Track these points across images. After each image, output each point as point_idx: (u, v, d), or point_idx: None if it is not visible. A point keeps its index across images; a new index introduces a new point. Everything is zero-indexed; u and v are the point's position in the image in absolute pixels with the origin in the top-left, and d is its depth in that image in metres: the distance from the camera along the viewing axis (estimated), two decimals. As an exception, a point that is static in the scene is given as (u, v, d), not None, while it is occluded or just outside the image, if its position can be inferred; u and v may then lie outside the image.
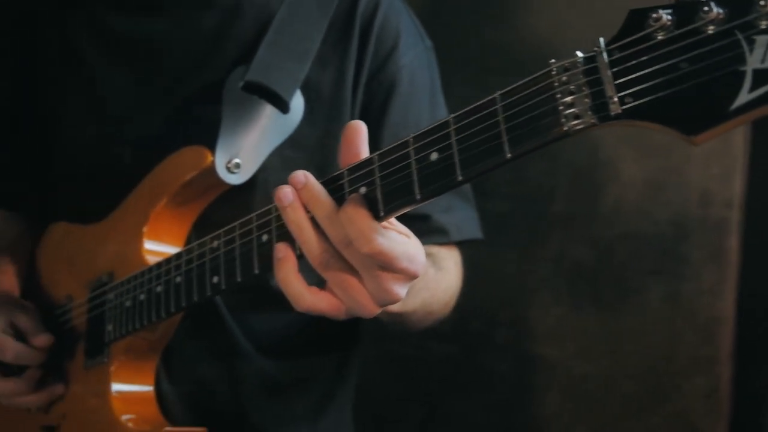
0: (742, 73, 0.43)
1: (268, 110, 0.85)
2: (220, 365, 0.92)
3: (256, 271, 0.68)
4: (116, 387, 0.87)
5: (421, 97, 0.94)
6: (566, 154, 1.42)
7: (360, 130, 0.60)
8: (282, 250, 0.60)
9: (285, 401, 0.96)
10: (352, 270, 0.57)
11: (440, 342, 1.59)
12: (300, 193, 0.58)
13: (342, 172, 0.60)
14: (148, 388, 0.88)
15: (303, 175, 0.59)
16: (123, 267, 0.88)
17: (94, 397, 0.88)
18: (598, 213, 1.42)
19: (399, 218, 0.64)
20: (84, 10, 0.96)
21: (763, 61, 0.42)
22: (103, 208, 0.94)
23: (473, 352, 1.57)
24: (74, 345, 0.92)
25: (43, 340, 0.88)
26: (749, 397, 1.31)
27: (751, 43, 0.42)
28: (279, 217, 0.66)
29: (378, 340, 1.65)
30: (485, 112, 0.53)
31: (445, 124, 0.55)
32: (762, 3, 0.42)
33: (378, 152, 0.58)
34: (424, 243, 0.66)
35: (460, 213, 0.92)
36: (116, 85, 0.94)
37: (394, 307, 0.67)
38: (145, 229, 0.88)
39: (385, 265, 0.55)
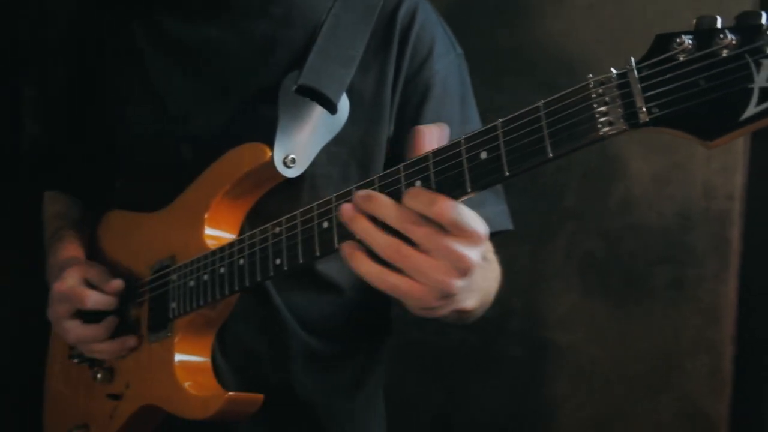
0: (750, 90, 0.51)
1: (318, 111, 0.91)
2: (269, 341, 0.98)
3: (318, 254, 0.76)
4: (179, 357, 0.93)
5: (453, 99, 1.00)
6: (576, 152, 1.50)
7: (427, 133, 0.67)
8: (349, 248, 0.68)
9: (326, 375, 1.02)
10: (423, 252, 0.64)
11: (458, 329, 1.66)
12: (366, 206, 0.66)
13: (398, 168, 0.67)
14: (206, 360, 0.95)
15: (365, 193, 0.67)
16: (185, 251, 0.94)
17: (158, 366, 0.94)
18: (607, 207, 1.48)
19: None
20: (146, 16, 1.02)
21: None
22: (160, 199, 1.00)
23: (489, 339, 1.64)
24: (138, 320, 0.99)
25: (115, 284, 0.96)
26: (750, 377, 1.39)
27: (759, 65, 0.51)
28: (339, 206, 0.74)
29: (398, 326, 1.75)
30: (530, 118, 0.61)
31: (493, 128, 0.63)
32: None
33: (432, 151, 0.66)
34: None
35: (492, 207, 0.98)
36: (174, 86, 0.99)
37: (468, 304, 0.74)
38: (206, 216, 0.93)
39: (461, 228, 0.62)
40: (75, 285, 0.97)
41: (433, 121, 0.96)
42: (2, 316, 2.05)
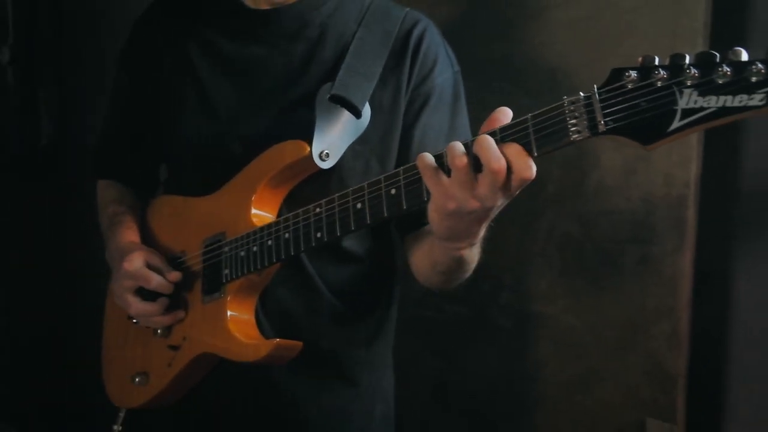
0: (675, 111, 0.71)
1: (346, 116, 1.07)
2: (302, 302, 1.15)
3: (353, 228, 0.95)
4: (230, 313, 1.09)
5: (445, 108, 1.15)
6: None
7: (505, 113, 0.83)
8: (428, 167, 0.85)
9: (348, 329, 1.18)
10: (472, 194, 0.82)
11: (453, 304, 1.83)
12: (477, 146, 0.82)
13: (494, 131, 0.83)
14: (251, 317, 1.11)
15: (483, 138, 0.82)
16: (234, 227, 1.10)
17: (213, 321, 1.10)
18: (583, 194, 1.63)
19: None
20: (200, 36, 1.18)
21: (687, 103, 0.71)
22: (210, 187, 1.16)
23: (481, 311, 1.80)
24: (191, 284, 1.15)
25: (175, 275, 1.12)
26: (703, 337, 1.56)
27: (681, 93, 0.71)
28: (370, 191, 0.93)
29: (400, 303, 1.92)
30: (520, 127, 0.80)
31: (493, 133, 0.82)
32: (688, 71, 0.70)
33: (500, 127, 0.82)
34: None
35: None
36: (225, 95, 1.15)
37: (481, 234, 0.92)
38: (253, 199, 1.09)
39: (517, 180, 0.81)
40: (141, 267, 1.12)
41: (425, 125, 1.13)
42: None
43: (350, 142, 1.08)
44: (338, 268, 1.16)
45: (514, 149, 0.80)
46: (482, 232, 0.93)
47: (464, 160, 0.81)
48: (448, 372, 1.86)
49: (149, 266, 1.12)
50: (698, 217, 1.52)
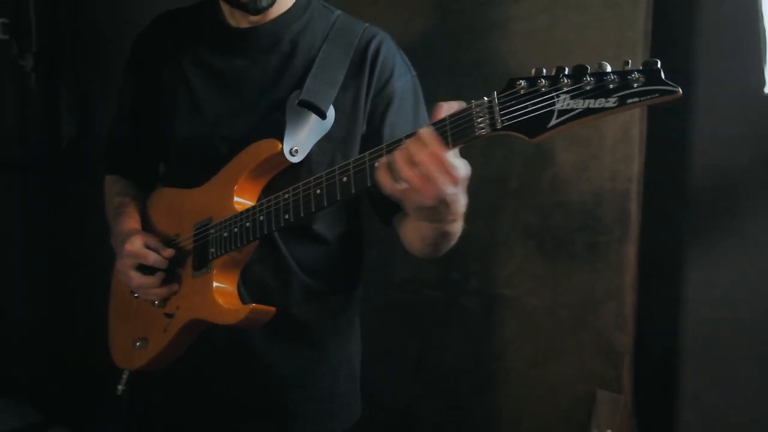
0: (553, 111, 0.87)
1: (313, 117, 1.21)
2: (277, 278, 1.29)
3: (313, 209, 1.11)
4: (216, 285, 1.23)
5: (407, 109, 1.28)
6: (518, 146, 1.81)
7: (442, 107, 0.97)
8: (382, 169, 0.99)
9: (318, 303, 1.32)
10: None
11: (429, 289, 2.01)
12: (412, 147, 0.95)
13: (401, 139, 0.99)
14: (233, 288, 1.26)
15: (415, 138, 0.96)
16: (219, 213, 1.25)
17: (201, 292, 1.25)
18: (540, 188, 1.79)
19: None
20: (191, 50, 1.34)
21: (562, 105, 0.87)
22: (200, 179, 1.30)
23: (453, 296, 1.97)
24: (183, 262, 1.30)
25: (168, 252, 1.28)
26: (645, 316, 1.73)
27: (558, 97, 0.87)
28: (327, 179, 1.08)
29: (382, 289, 2.10)
30: (441, 124, 0.95)
31: (443, 120, 0.95)
32: (563, 80, 0.87)
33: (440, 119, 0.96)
34: None
35: None
36: (210, 100, 1.30)
37: (461, 209, 1.04)
38: (235, 188, 1.23)
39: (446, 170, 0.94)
40: (140, 247, 1.28)
41: (392, 124, 1.27)
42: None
43: (317, 139, 1.23)
44: (308, 249, 1.31)
45: (435, 141, 0.95)
46: (456, 210, 1.05)
47: (408, 171, 0.96)
48: (423, 349, 2.04)
49: (147, 246, 1.29)
50: (640, 209, 1.69)
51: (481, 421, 1.96)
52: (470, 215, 1.79)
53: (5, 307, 3.58)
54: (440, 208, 1.01)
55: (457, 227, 1.13)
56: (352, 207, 1.36)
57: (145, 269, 1.29)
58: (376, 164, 1.02)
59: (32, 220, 3.40)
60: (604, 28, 1.68)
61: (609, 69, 0.87)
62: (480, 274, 1.93)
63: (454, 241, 1.20)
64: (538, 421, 1.86)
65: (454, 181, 0.95)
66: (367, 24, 1.32)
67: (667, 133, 1.72)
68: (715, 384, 1.74)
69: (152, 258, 1.28)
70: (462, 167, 0.97)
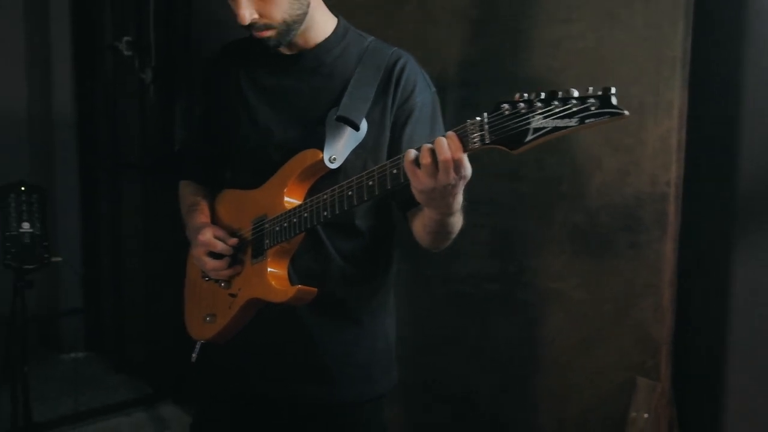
0: (529, 128, 1.07)
1: (348, 129, 1.41)
2: (319, 264, 1.50)
3: (346, 208, 1.32)
4: (270, 270, 1.45)
5: (425, 119, 1.46)
6: (570, 152, 1.98)
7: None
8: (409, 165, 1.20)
9: (354, 285, 1.53)
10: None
11: (488, 282, 2.19)
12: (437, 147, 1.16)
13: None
14: (284, 273, 1.48)
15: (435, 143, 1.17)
16: (273, 210, 1.46)
17: (258, 276, 1.47)
18: (588, 191, 1.94)
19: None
20: (248, 71, 1.55)
21: (536, 124, 1.06)
22: (257, 182, 1.51)
23: (509, 288, 2.14)
24: (244, 251, 1.53)
25: (233, 241, 1.51)
26: (681, 308, 1.86)
27: (534, 117, 1.06)
28: (357, 183, 1.28)
29: (446, 281, 2.31)
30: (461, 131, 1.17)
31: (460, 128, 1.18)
32: (537, 104, 1.06)
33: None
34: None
35: None
36: (263, 114, 1.51)
37: (455, 206, 1.24)
38: (285, 190, 1.45)
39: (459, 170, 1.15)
40: (210, 237, 1.51)
41: (411, 133, 1.48)
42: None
43: (352, 148, 1.43)
44: (347, 240, 1.52)
45: (455, 144, 1.17)
46: (455, 203, 1.25)
47: (428, 159, 1.20)
48: (482, 337, 2.23)
49: (216, 237, 1.52)
50: (677, 211, 1.82)
51: (532, 404, 2.13)
52: (527, 215, 2.00)
53: (129, 295, 4.03)
54: (441, 195, 1.21)
55: (454, 221, 1.34)
56: (384, 204, 1.57)
57: (214, 255, 1.55)
58: (395, 171, 1.25)
59: (151, 215, 3.81)
60: (646, 47, 1.83)
61: (574, 94, 1.06)
62: (533, 268, 2.10)
63: (451, 236, 1.40)
64: (584, 404, 2.01)
65: (459, 175, 1.17)
66: (395, 48, 1.54)
67: (713, 140, 1.85)
68: (760, 377, 1.85)
69: (220, 246, 1.53)
70: (469, 167, 1.19)
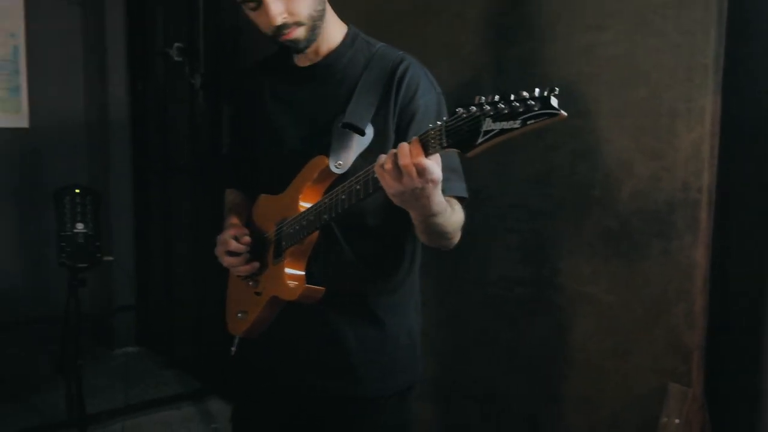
0: (480, 131, 1.10)
1: (354, 135, 1.46)
2: (338, 264, 1.55)
3: (340, 211, 1.37)
4: (286, 270, 1.53)
5: (430, 121, 1.35)
6: (601, 157, 2.00)
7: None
8: (378, 170, 1.25)
9: (373, 284, 1.58)
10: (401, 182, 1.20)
11: (520, 285, 2.23)
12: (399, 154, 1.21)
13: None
14: (302, 272, 1.54)
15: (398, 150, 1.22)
16: (291, 213, 1.53)
17: (277, 275, 1.54)
18: (621, 196, 1.95)
19: None
20: (270, 83, 1.64)
21: (486, 127, 1.08)
22: (281, 187, 1.58)
23: (541, 291, 2.17)
24: (269, 252, 1.60)
25: (246, 239, 1.59)
26: (713, 317, 1.86)
27: (485, 120, 1.09)
28: (348, 188, 1.34)
29: (478, 284, 2.36)
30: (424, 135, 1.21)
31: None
32: (486, 107, 1.09)
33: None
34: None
35: (454, 183, 1.49)
36: (282, 124, 1.60)
37: (435, 208, 1.27)
38: (300, 196, 1.52)
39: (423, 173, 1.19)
40: (227, 238, 1.60)
41: (415, 135, 1.44)
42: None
43: (358, 153, 1.48)
44: (362, 240, 1.58)
45: (416, 149, 1.20)
46: (431, 204, 1.28)
47: (389, 164, 1.23)
48: (515, 338, 2.26)
49: (232, 236, 1.61)
50: (709, 218, 1.82)
51: (563, 406, 2.15)
52: (558, 219, 2.03)
53: (178, 294, 4.18)
54: (412, 197, 1.25)
55: (440, 222, 1.38)
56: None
57: (233, 253, 1.63)
58: (375, 174, 1.30)
59: (200, 217, 3.94)
60: (678, 54, 1.84)
61: (521, 96, 1.08)
62: (566, 272, 2.12)
63: (447, 235, 1.44)
64: (615, 408, 2.03)
65: (424, 178, 1.21)
66: (400, 52, 1.58)
67: (748, 146, 1.85)
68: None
69: (233, 245, 1.61)
70: (435, 170, 1.22)
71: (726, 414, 1.95)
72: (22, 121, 4.18)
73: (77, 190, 2.37)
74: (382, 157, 1.26)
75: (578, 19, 2.05)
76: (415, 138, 1.23)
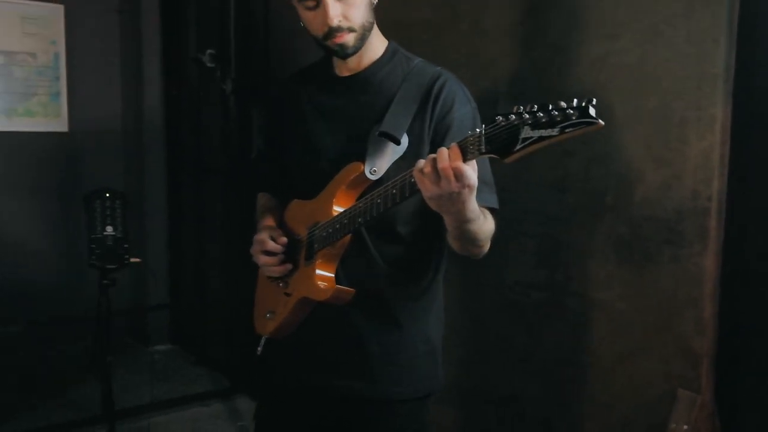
0: (518, 138, 1.15)
1: (390, 144, 1.50)
2: (366, 268, 1.59)
3: (375, 215, 1.42)
4: (317, 272, 1.57)
5: (466, 133, 1.35)
6: (614, 164, 2.03)
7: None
8: (417, 174, 1.29)
9: (398, 289, 1.61)
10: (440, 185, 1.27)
11: (536, 290, 2.26)
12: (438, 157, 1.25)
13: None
14: (332, 274, 1.58)
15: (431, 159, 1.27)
16: (324, 218, 1.57)
17: (308, 276, 1.59)
18: (632, 203, 1.98)
19: None
20: (308, 92, 1.69)
21: (524, 134, 1.13)
22: (315, 192, 1.62)
23: (557, 296, 2.21)
24: (300, 254, 1.64)
25: (283, 240, 1.63)
26: (722, 323, 1.87)
27: (522, 128, 1.14)
28: (384, 192, 1.39)
29: (496, 289, 2.40)
30: (462, 142, 1.26)
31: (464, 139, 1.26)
32: (525, 116, 1.14)
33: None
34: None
35: (486, 194, 1.53)
36: (319, 132, 1.64)
37: (470, 214, 1.32)
38: (334, 200, 1.56)
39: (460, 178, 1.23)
40: (264, 237, 1.64)
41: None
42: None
43: (393, 161, 1.53)
44: (391, 246, 1.61)
45: (455, 154, 1.25)
46: (466, 210, 1.33)
47: (428, 167, 1.28)
48: (530, 342, 2.30)
49: (270, 237, 1.66)
50: (718, 226, 1.84)
51: (577, 410, 2.18)
52: (573, 225, 2.06)
53: (210, 294, 4.28)
54: (449, 201, 1.31)
55: (473, 229, 1.42)
56: (428, 212, 1.57)
57: (269, 253, 1.68)
58: (412, 179, 1.35)
59: (231, 218, 4.03)
60: (688, 63, 1.86)
61: (560, 106, 1.13)
62: (579, 277, 2.16)
63: (478, 242, 1.48)
64: (626, 412, 2.05)
65: (461, 183, 1.26)
66: (438, 67, 1.63)
67: (760, 155, 1.86)
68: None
69: (270, 245, 1.67)
70: (471, 175, 1.27)
71: (738, 422, 1.96)
72: (62, 125, 4.34)
73: (107, 194, 2.46)
74: (421, 162, 1.31)
75: (592, 29, 2.08)
76: (454, 144, 1.27)
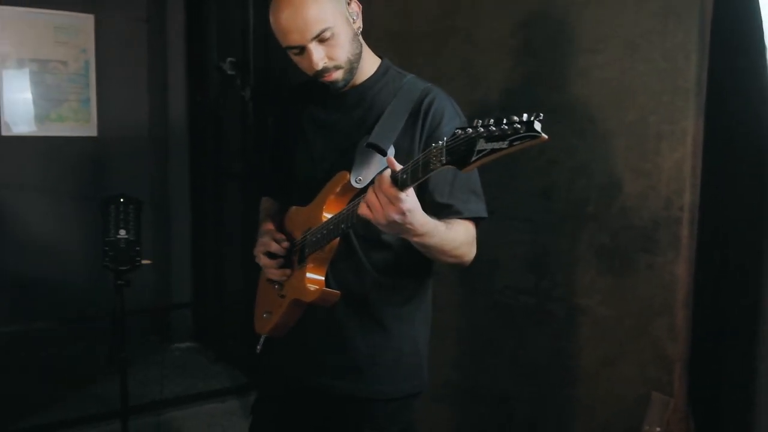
0: (474, 150, 1.19)
1: (377, 155, 1.56)
2: (354, 273, 1.67)
3: (350, 225, 1.51)
4: (308, 275, 1.64)
5: None
6: (596, 174, 2.10)
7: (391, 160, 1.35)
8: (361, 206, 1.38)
9: (385, 293, 1.68)
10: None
11: (524, 294, 2.34)
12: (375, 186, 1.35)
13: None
14: (321, 277, 1.65)
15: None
16: (315, 223, 1.64)
17: (299, 279, 1.66)
18: (612, 213, 2.05)
19: (432, 204, 1.53)
20: (306, 107, 1.77)
21: (480, 146, 1.17)
22: (310, 199, 1.69)
23: (543, 302, 2.28)
24: (295, 258, 1.71)
25: (286, 243, 1.72)
26: (695, 328, 1.93)
27: (479, 141, 1.18)
28: (354, 205, 1.46)
29: (486, 294, 2.48)
30: (403, 170, 1.34)
31: (416, 161, 1.33)
32: (480, 130, 1.19)
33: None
34: (443, 218, 1.52)
35: (473, 204, 1.61)
36: (314, 143, 1.73)
37: (420, 230, 1.40)
38: (324, 207, 1.63)
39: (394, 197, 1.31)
40: (268, 240, 1.73)
41: None
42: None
43: (379, 170, 1.52)
44: (378, 252, 1.69)
45: (385, 183, 1.34)
46: (413, 230, 1.41)
47: (371, 197, 1.38)
48: (518, 344, 2.37)
49: (272, 239, 1.74)
50: (690, 234, 1.90)
51: (563, 412, 2.26)
52: (559, 233, 2.13)
53: (230, 293, 4.43)
54: (395, 226, 1.39)
55: (430, 242, 1.49)
56: None
57: (271, 256, 1.78)
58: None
59: (250, 221, 4.15)
60: (663, 77, 1.93)
61: (507, 120, 1.18)
62: (564, 283, 2.23)
63: (446, 255, 1.56)
64: (607, 415, 2.12)
65: (398, 209, 1.35)
66: (428, 84, 1.70)
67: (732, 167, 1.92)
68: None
69: (274, 246, 1.76)
70: (407, 201, 1.36)
71: (712, 425, 2.01)
72: (91, 130, 4.53)
73: (121, 199, 2.61)
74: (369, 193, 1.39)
75: (576, 43, 2.16)
76: (385, 173, 1.35)
